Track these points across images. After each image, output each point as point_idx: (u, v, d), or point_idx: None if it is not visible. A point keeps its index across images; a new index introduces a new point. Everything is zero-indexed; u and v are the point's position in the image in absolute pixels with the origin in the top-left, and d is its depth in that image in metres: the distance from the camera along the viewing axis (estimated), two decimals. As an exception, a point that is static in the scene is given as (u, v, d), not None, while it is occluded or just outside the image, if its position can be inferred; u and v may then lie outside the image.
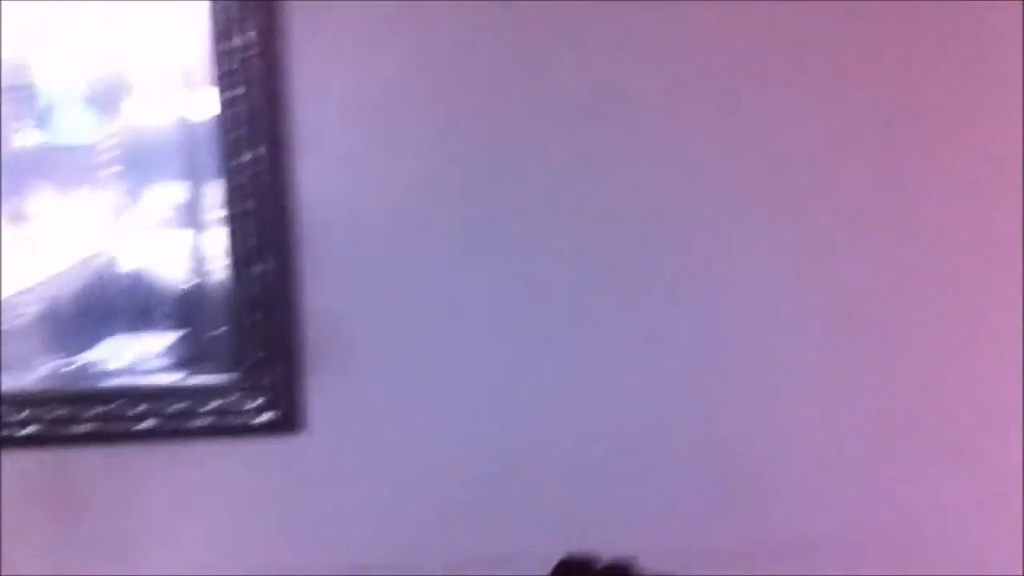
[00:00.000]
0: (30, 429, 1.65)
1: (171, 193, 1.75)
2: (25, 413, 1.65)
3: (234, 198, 1.63)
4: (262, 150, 1.61)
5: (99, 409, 1.66)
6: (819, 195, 1.68)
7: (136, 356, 1.73)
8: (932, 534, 1.76)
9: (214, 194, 1.65)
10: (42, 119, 1.73)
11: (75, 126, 1.75)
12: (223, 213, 1.64)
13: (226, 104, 1.59)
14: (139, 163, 1.73)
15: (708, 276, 1.70)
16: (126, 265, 1.75)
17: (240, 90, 1.59)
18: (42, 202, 1.74)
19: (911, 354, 1.73)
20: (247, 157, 1.61)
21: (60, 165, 1.76)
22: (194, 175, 1.71)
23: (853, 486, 1.76)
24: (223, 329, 1.69)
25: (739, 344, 1.72)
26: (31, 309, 1.74)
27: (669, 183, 1.67)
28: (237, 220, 1.64)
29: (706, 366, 1.72)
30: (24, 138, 1.74)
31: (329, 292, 1.66)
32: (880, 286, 1.71)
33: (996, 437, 1.75)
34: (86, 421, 1.66)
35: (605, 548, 1.56)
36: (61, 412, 1.66)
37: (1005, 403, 1.74)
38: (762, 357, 1.72)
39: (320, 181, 1.64)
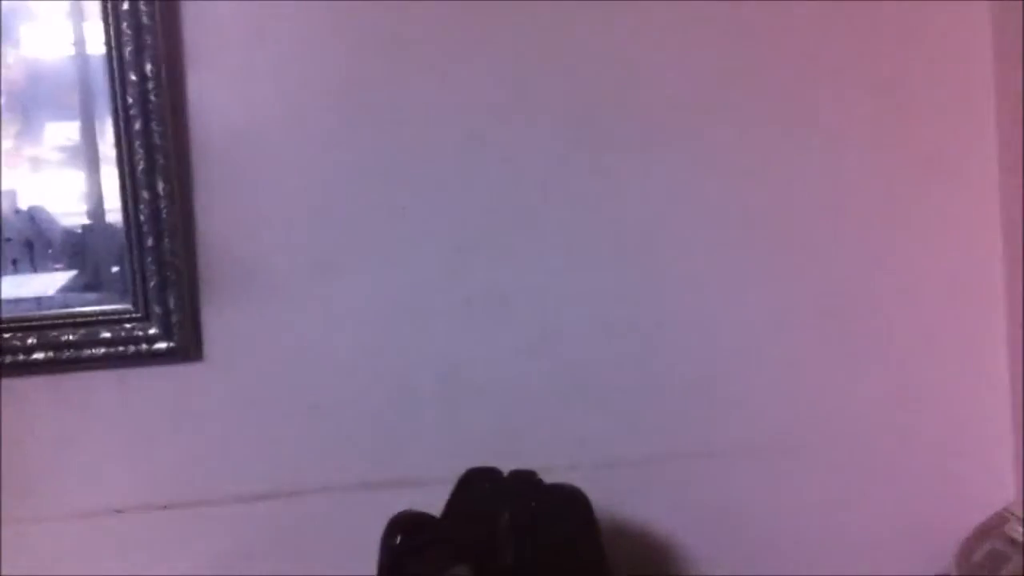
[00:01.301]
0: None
1: (65, 127, 1.71)
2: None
3: (123, 120, 1.59)
4: (149, 68, 1.57)
5: (-14, 344, 1.60)
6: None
7: (28, 293, 1.67)
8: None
9: (107, 122, 1.61)
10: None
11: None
12: (113, 137, 1.60)
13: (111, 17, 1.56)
14: (32, 99, 1.69)
15: (646, 185, 1.68)
16: (19, 203, 1.71)
17: (125, 4, 1.56)
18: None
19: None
20: (133, 76, 1.58)
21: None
22: (88, 108, 1.67)
23: (807, 391, 1.73)
24: (118, 262, 1.64)
25: (686, 249, 1.69)
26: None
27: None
28: (127, 144, 1.59)
29: (644, 271, 1.69)
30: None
31: (224, 217, 1.62)
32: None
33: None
34: (-28, 356, 1.60)
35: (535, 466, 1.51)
36: (-55, 348, 1.59)
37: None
38: (712, 261, 1.70)
39: (213, 100, 1.60)
